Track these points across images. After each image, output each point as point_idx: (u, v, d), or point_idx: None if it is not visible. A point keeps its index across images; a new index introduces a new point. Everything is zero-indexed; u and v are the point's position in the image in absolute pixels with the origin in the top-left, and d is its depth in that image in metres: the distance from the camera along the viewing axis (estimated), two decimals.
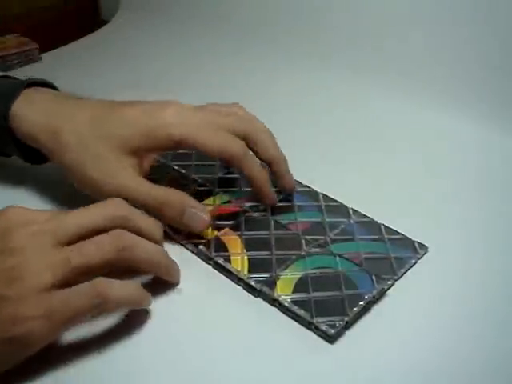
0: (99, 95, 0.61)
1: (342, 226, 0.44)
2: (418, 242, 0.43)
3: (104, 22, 0.89)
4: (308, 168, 0.51)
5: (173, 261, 0.39)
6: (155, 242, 0.38)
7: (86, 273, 0.34)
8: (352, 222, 0.45)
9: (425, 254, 0.43)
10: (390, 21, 0.66)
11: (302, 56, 0.70)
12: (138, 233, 0.37)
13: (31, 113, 0.44)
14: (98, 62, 0.75)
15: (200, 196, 0.47)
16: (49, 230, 0.34)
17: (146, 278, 0.40)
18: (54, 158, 0.44)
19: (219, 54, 0.75)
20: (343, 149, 0.55)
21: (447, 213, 0.47)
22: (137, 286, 0.36)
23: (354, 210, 0.46)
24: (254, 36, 0.76)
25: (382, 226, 0.44)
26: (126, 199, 0.39)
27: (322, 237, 0.43)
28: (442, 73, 0.62)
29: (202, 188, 0.48)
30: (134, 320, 0.37)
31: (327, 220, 0.45)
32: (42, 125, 0.43)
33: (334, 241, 0.43)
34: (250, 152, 0.44)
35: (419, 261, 0.42)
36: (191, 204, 0.42)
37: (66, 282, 0.33)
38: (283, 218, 0.45)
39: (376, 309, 0.39)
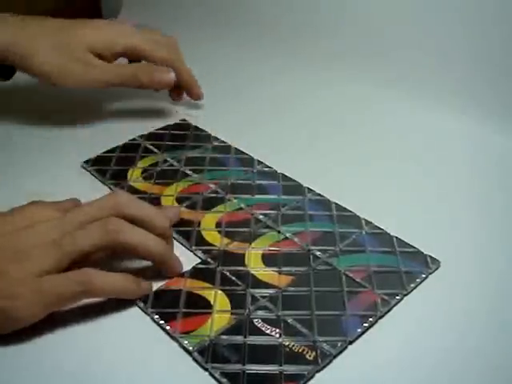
0: (104, 96, 0.62)
1: (354, 237, 0.44)
2: (431, 256, 0.42)
3: None
4: (320, 175, 0.51)
5: (170, 251, 0.40)
6: (154, 229, 0.39)
7: (82, 258, 0.37)
8: (364, 233, 0.44)
9: (437, 268, 0.42)
10: (391, 23, 0.65)
11: (306, 58, 0.70)
12: (138, 224, 0.39)
13: None
14: None
15: (211, 203, 0.47)
16: (55, 226, 0.38)
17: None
18: (29, 63, 0.53)
19: (223, 55, 0.74)
20: (358, 156, 0.54)
21: (463, 226, 0.46)
22: (124, 278, 0.38)
23: (367, 221, 0.45)
24: (258, 37, 0.75)
25: (395, 239, 0.44)
26: (109, 80, 0.55)
27: (332, 247, 0.43)
28: (445, 75, 0.61)
29: (214, 195, 0.48)
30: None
31: (338, 230, 0.44)
32: (12, 37, 0.53)
33: (343, 252, 0.42)
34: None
35: (430, 275, 0.41)
36: (159, 69, 0.57)
37: (61, 267, 0.37)
38: (294, 227, 0.45)
39: (381, 323, 0.38)
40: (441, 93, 0.60)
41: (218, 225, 0.45)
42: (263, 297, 0.39)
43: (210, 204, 0.47)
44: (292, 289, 0.39)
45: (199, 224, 0.45)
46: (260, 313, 0.38)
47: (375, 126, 0.59)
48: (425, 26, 0.63)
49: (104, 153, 0.53)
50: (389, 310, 0.39)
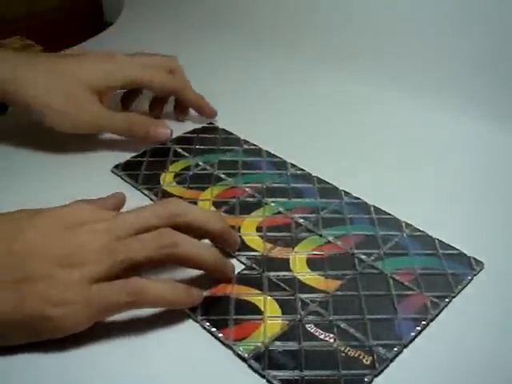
0: None
1: (396, 240, 0.43)
2: (474, 258, 0.42)
3: (107, 23, 0.89)
4: (351, 177, 0.50)
5: (223, 258, 0.40)
6: (213, 237, 0.40)
7: (132, 268, 0.36)
8: (405, 235, 0.44)
9: (481, 270, 0.42)
10: (393, 24, 0.65)
11: (313, 62, 0.70)
12: (194, 230, 0.39)
13: None
14: None
15: (249, 207, 0.47)
16: (108, 229, 0.36)
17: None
18: (20, 98, 0.50)
19: (225, 54, 0.74)
20: (385, 158, 0.54)
21: (502, 225, 0.46)
22: (175, 287, 0.37)
23: (407, 224, 0.45)
24: (261, 38, 0.74)
25: (436, 241, 0.43)
26: (101, 127, 0.53)
27: (376, 251, 0.42)
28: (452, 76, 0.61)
29: (251, 199, 0.48)
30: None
31: (380, 233, 0.44)
32: (7, 73, 0.50)
33: (387, 255, 0.42)
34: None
35: (475, 277, 0.41)
36: (155, 122, 0.54)
37: (111, 275, 0.35)
38: (335, 231, 0.44)
39: (431, 326, 0.38)
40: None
41: (259, 229, 0.44)
42: (313, 301, 0.38)
43: (248, 208, 0.46)
44: (341, 293, 0.39)
45: (239, 229, 0.44)
46: (312, 318, 0.37)
47: (399, 130, 0.59)
48: (428, 27, 0.63)
49: (133, 157, 0.53)
50: (439, 313, 0.39)
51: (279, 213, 0.46)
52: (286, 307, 0.38)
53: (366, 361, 0.35)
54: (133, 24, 0.86)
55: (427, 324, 0.37)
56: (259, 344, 0.35)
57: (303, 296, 0.39)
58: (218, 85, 0.66)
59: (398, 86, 0.63)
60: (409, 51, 0.64)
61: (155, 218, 0.37)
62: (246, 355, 0.35)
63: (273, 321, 0.37)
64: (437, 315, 0.38)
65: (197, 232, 0.39)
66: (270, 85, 0.68)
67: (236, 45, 0.75)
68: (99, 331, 0.36)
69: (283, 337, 0.36)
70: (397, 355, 0.35)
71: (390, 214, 0.46)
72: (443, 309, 0.39)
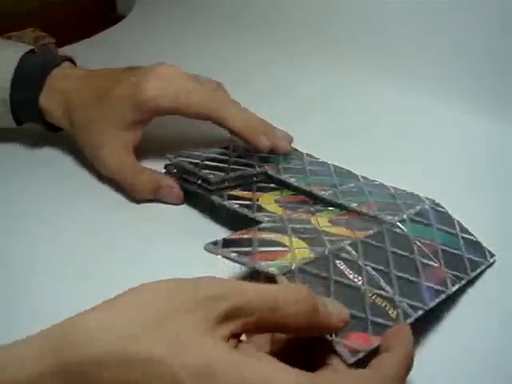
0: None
1: (418, 208, 0.42)
2: (488, 249, 0.42)
3: (120, 17, 0.88)
4: (369, 164, 0.50)
5: None
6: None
7: None
8: (427, 206, 0.43)
9: (494, 262, 0.42)
10: (393, 19, 0.67)
11: (318, 61, 0.70)
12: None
13: (54, 106, 0.51)
14: (115, 57, 0.70)
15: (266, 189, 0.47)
16: None
17: None
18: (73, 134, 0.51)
19: (236, 47, 0.74)
20: (398, 147, 0.55)
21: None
22: None
23: (427, 198, 0.44)
24: (270, 33, 0.75)
25: (456, 222, 0.43)
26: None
27: (400, 213, 0.41)
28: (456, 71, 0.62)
29: (265, 184, 0.47)
30: None
31: (402, 201, 0.43)
32: (61, 114, 0.51)
33: (411, 221, 0.41)
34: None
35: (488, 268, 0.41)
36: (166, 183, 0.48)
37: None
38: (356, 199, 0.43)
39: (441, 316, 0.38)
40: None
41: (277, 201, 0.44)
42: (341, 241, 0.37)
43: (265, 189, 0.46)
44: (369, 240, 0.38)
45: (257, 200, 0.44)
46: (340, 254, 0.35)
47: (415, 120, 0.60)
48: (428, 23, 0.64)
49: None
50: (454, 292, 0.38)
51: (296, 190, 0.46)
52: (313, 243, 0.36)
53: (392, 313, 0.34)
54: (145, 17, 0.85)
55: (446, 298, 0.37)
56: (288, 264, 0.33)
57: (331, 238, 0.37)
58: (228, 73, 0.64)
59: (416, 80, 0.63)
60: (417, 52, 0.65)
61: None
62: (276, 272, 0.32)
63: (300, 250, 0.35)
64: (454, 293, 0.38)
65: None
66: (281, 81, 0.67)
67: (248, 34, 0.75)
68: None
69: (313, 264, 0.34)
70: (418, 318, 0.34)
71: (409, 192, 0.45)
72: (458, 289, 0.38)
